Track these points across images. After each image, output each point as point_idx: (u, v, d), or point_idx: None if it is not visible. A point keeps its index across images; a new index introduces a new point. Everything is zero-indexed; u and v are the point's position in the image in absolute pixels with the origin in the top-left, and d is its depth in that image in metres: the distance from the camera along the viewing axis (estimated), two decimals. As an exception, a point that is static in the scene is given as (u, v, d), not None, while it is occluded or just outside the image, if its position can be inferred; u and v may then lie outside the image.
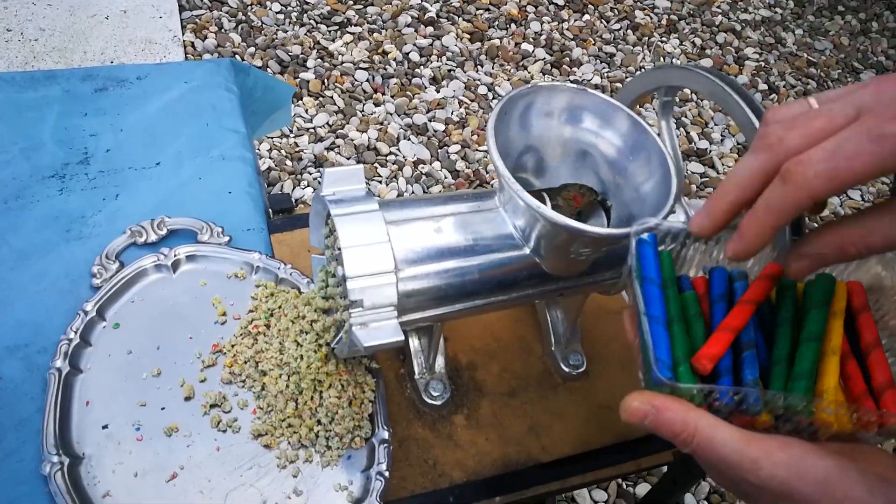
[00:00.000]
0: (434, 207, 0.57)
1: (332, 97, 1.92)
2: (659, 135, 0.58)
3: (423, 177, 1.79)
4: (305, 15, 2.14)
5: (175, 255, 0.65)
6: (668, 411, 0.40)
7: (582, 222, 0.61)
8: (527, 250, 0.56)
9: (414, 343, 0.64)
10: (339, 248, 0.51)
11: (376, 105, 1.94)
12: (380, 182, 1.76)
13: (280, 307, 0.61)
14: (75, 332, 0.59)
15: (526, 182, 0.62)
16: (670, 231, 0.49)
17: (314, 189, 1.70)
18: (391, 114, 1.92)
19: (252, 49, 1.98)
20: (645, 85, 0.64)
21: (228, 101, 0.84)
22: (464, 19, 2.27)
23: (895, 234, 0.37)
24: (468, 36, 2.22)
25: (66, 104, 0.80)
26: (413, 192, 1.76)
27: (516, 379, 0.66)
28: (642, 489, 1.40)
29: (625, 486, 1.39)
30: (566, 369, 0.67)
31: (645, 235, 0.47)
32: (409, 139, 1.87)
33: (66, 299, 0.63)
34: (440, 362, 0.64)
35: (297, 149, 1.78)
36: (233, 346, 0.60)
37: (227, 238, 0.67)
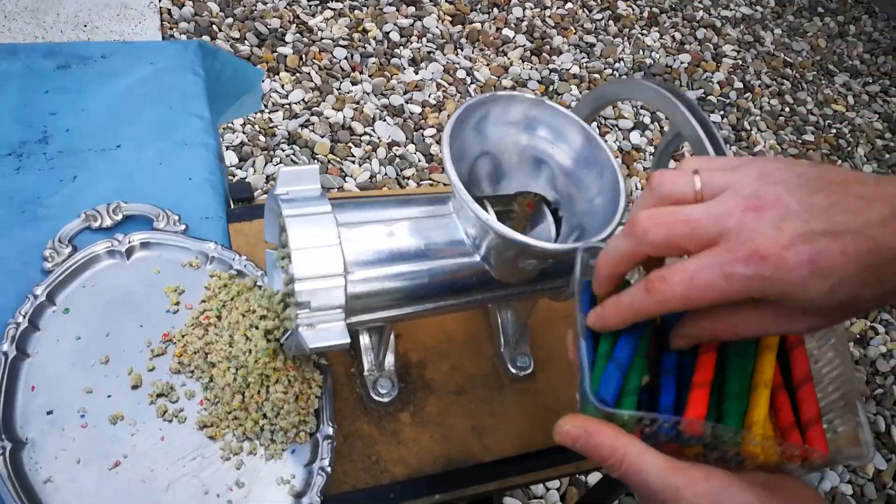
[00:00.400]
0: (388, 210, 0.58)
1: (309, 73, 1.90)
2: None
3: (397, 159, 1.80)
4: (286, -12, 2.12)
5: (129, 242, 0.65)
6: (598, 436, 0.42)
7: (533, 229, 0.62)
8: (477, 257, 0.57)
9: (364, 340, 0.65)
10: (290, 249, 0.52)
11: (353, 84, 1.93)
12: (353, 162, 1.76)
13: (232, 299, 0.62)
14: (24, 316, 0.59)
15: (482, 188, 0.63)
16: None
17: (286, 166, 1.69)
18: (368, 93, 1.91)
19: (230, 20, 1.96)
20: (602, 96, 0.64)
21: (194, 84, 0.83)
22: (446, 1, 2.26)
23: (763, 327, 0.40)
24: (450, 18, 2.21)
25: (27, 80, 0.79)
26: (386, 174, 1.76)
27: (464, 378, 0.68)
28: (594, 477, 1.43)
29: (576, 475, 1.42)
30: (513, 370, 0.68)
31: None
32: (384, 120, 1.87)
33: (17, 281, 0.63)
34: (390, 360, 0.65)
35: (270, 124, 1.77)
36: (183, 336, 0.61)
37: (183, 226, 0.68)
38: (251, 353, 0.57)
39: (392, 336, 0.64)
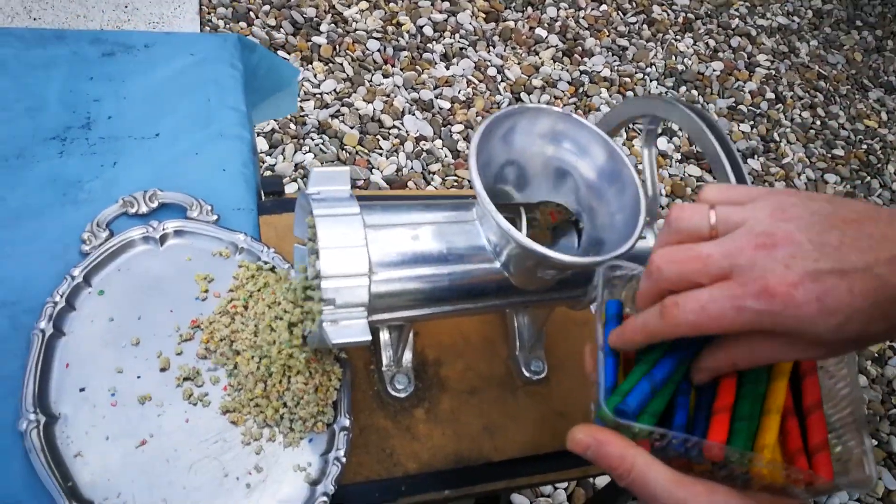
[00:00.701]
0: (413, 214, 0.60)
1: (341, 64, 1.93)
2: (638, 165, 0.61)
3: (424, 153, 1.81)
4: (323, -23, 2.14)
5: (164, 229, 0.67)
6: (608, 445, 0.44)
7: (554, 240, 0.64)
8: (497, 264, 0.59)
9: (384, 336, 0.67)
10: (318, 247, 0.54)
11: (385, 76, 1.95)
12: (380, 154, 1.78)
13: (259, 290, 0.64)
14: (61, 296, 0.62)
15: (506, 194, 0.64)
16: (633, 272, 0.52)
17: (315, 155, 1.72)
18: (399, 87, 1.93)
19: (267, 7, 1.98)
20: (628, 112, 0.66)
21: (232, 77, 0.86)
22: (482, -3, 2.27)
23: (777, 355, 0.42)
24: (484, 15, 2.22)
25: (74, 66, 0.82)
26: (412, 168, 1.78)
27: (479, 378, 0.70)
28: (602, 479, 1.44)
29: (583, 478, 1.43)
30: (527, 374, 0.70)
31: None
32: (413, 114, 1.89)
33: (56, 262, 0.66)
34: (408, 357, 0.67)
35: (301, 113, 1.79)
36: (211, 323, 0.63)
37: (215, 217, 0.70)
38: (275, 344, 0.59)
39: (411, 334, 0.66)
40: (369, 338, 0.54)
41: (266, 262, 0.67)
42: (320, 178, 0.58)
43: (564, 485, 1.40)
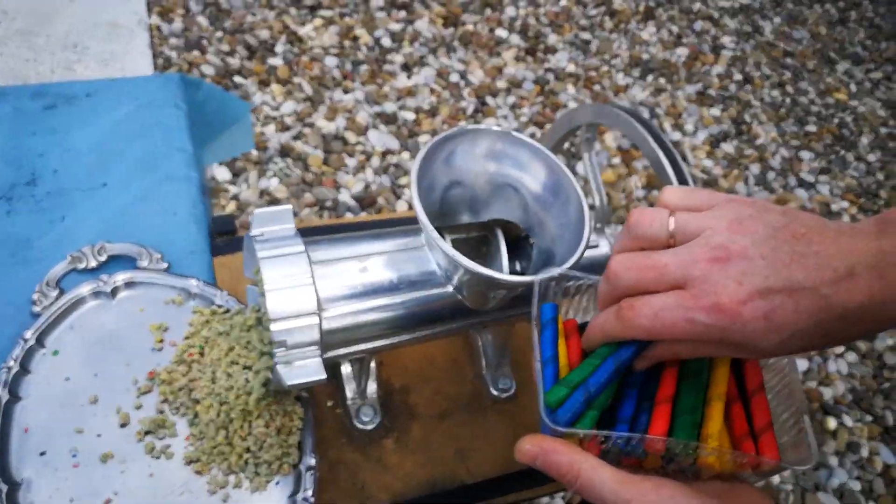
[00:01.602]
0: (361, 246, 0.59)
1: (300, 84, 1.92)
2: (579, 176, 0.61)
3: (392, 167, 1.81)
4: (276, -1, 2.13)
5: (114, 282, 0.67)
6: (555, 454, 0.44)
7: (509, 256, 0.64)
8: (450, 288, 0.59)
9: (346, 370, 0.66)
10: (264, 290, 0.53)
11: (345, 92, 1.94)
12: (347, 173, 1.77)
13: (215, 336, 0.63)
14: (15, 360, 0.61)
15: (459, 215, 0.64)
16: (573, 279, 0.52)
17: (280, 179, 1.71)
18: (360, 101, 1.93)
19: (220, 33, 1.97)
20: (566, 125, 0.66)
21: (176, 118, 0.85)
22: (437, 3, 2.27)
23: (721, 353, 0.44)
24: (442, 20, 2.22)
25: (15, 122, 0.81)
26: (381, 184, 1.77)
27: (447, 401, 0.69)
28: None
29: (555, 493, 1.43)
30: (495, 392, 0.70)
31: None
32: (377, 128, 1.88)
33: (10, 325, 0.65)
34: (372, 388, 0.67)
35: (262, 138, 1.78)
36: (168, 373, 0.62)
37: (165, 265, 0.69)
38: (233, 390, 0.59)
39: (373, 365, 0.66)
40: (324, 376, 0.53)
41: (220, 307, 0.66)
42: (263, 219, 0.57)
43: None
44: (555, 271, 0.51)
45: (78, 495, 0.57)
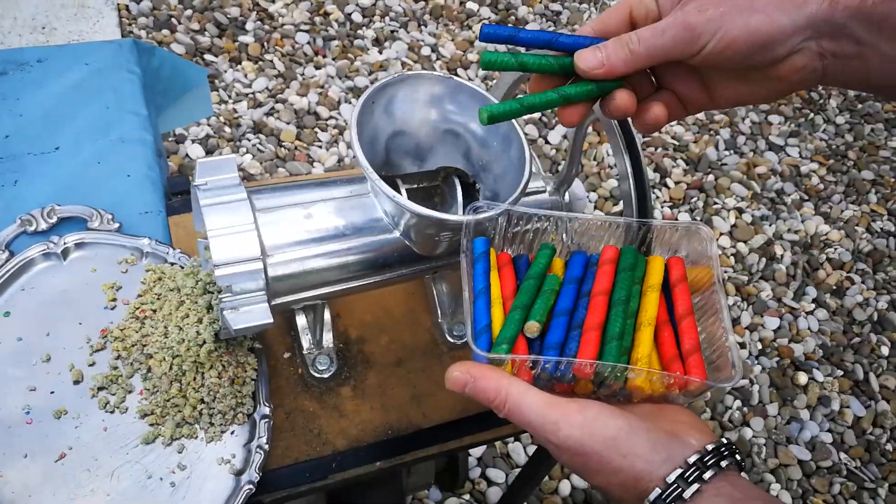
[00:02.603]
0: (306, 193, 0.59)
1: (271, 61, 1.91)
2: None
3: (364, 140, 1.80)
4: (244, -24, 2.11)
5: (64, 243, 0.67)
6: (483, 380, 0.44)
7: (455, 203, 0.64)
8: (397, 233, 0.59)
9: (301, 320, 0.67)
10: (207, 236, 0.53)
11: (317, 68, 1.93)
12: (320, 147, 1.77)
13: (168, 292, 0.63)
14: (-35, 322, 0.61)
15: (404, 165, 0.64)
16: (502, 212, 0.53)
17: (253, 156, 1.70)
18: (332, 77, 1.92)
19: (189, 12, 1.96)
20: (515, 74, 0.66)
21: (130, 82, 0.84)
22: (407, -23, 2.25)
23: (656, 25, 0.45)
24: (412, -5, 2.21)
25: (-34, 89, 0.81)
26: (354, 157, 1.76)
27: (403, 350, 0.70)
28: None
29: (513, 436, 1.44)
30: (451, 339, 0.70)
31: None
32: (350, 102, 1.88)
33: (-38, 288, 0.65)
34: (328, 338, 0.67)
35: (235, 115, 1.78)
36: (121, 330, 0.63)
37: (117, 224, 0.69)
38: (184, 343, 0.59)
39: (328, 314, 0.66)
40: (270, 320, 0.53)
41: (173, 264, 0.67)
42: (207, 169, 0.57)
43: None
44: (498, 211, 0.52)
45: (32, 451, 0.58)
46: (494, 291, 0.49)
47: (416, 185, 0.63)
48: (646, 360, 0.46)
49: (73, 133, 0.79)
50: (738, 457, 0.43)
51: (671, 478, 0.41)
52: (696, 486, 0.40)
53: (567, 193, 0.67)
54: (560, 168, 0.68)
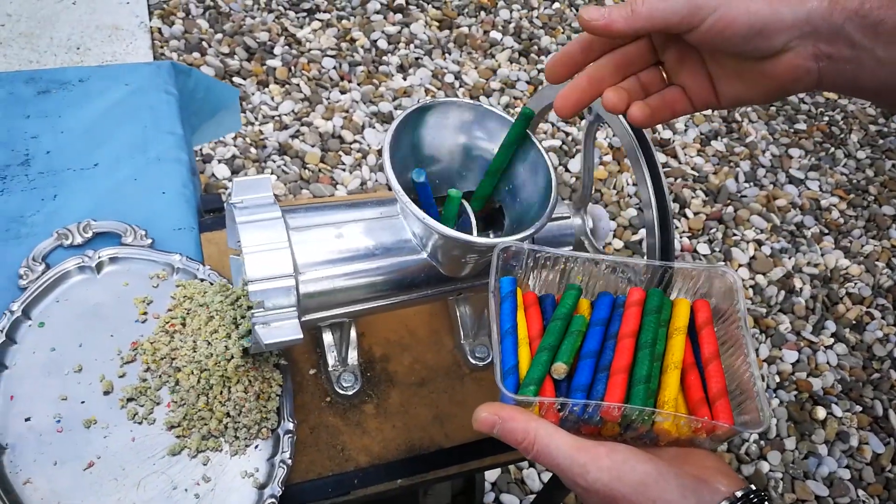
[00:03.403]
0: (337, 214, 0.61)
1: (298, 84, 1.94)
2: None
3: (387, 165, 1.83)
4: (274, 1, 2.15)
5: (99, 257, 0.68)
6: (511, 421, 0.45)
7: (486, 228, 0.65)
8: (424, 255, 0.60)
9: (327, 338, 0.68)
10: (243, 253, 0.55)
11: (342, 93, 1.96)
12: (343, 170, 1.80)
13: (196, 307, 0.65)
14: (1, 331, 0.63)
15: (434, 189, 0.66)
16: (539, 252, 0.54)
17: (278, 177, 1.73)
18: (357, 101, 1.95)
19: (219, 36, 2.00)
20: (541, 101, 0.67)
21: (167, 103, 0.87)
22: (433, 6, 2.29)
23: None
24: (437, 23, 2.24)
25: (9, 106, 0.83)
26: (376, 181, 1.79)
27: (426, 370, 0.71)
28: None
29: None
30: (473, 361, 0.71)
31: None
32: (373, 127, 1.90)
33: (4, 296, 0.67)
34: (353, 356, 0.68)
35: (261, 136, 1.81)
36: (151, 343, 0.64)
37: (149, 240, 0.71)
38: (212, 357, 0.60)
39: (354, 332, 0.67)
40: (300, 336, 0.55)
41: (203, 280, 0.68)
42: (243, 188, 0.59)
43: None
44: (512, 240, 0.53)
45: (62, 458, 0.59)
46: (521, 331, 0.49)
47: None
48: (672, 404, 0.46)
49: (111, 151, 0.81)
50: None
51: None
52: None
53: (590, 217, 0.68)
54: (573, 191, 0.69)
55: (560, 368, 0.47)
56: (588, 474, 0.42)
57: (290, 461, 0.60)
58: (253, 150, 1.77)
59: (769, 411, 0.46)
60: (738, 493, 0.41)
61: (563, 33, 2.35)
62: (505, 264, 0.53)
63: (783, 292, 1.78)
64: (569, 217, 0.68)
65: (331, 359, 0.68)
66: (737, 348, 0.49)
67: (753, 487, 0.42)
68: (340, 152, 1.83)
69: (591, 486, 0.42)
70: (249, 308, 0.58)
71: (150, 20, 1.99)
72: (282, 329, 0.55)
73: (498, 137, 0.61)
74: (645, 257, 0.59)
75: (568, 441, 0.43)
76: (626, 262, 0.54)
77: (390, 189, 0.56)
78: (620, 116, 0.60)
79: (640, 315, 0.50)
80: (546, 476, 1.42)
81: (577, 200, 0.68)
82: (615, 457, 0.42)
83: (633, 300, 0.51)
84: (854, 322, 1.78)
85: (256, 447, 0.61)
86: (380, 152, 1.84)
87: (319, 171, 1.77)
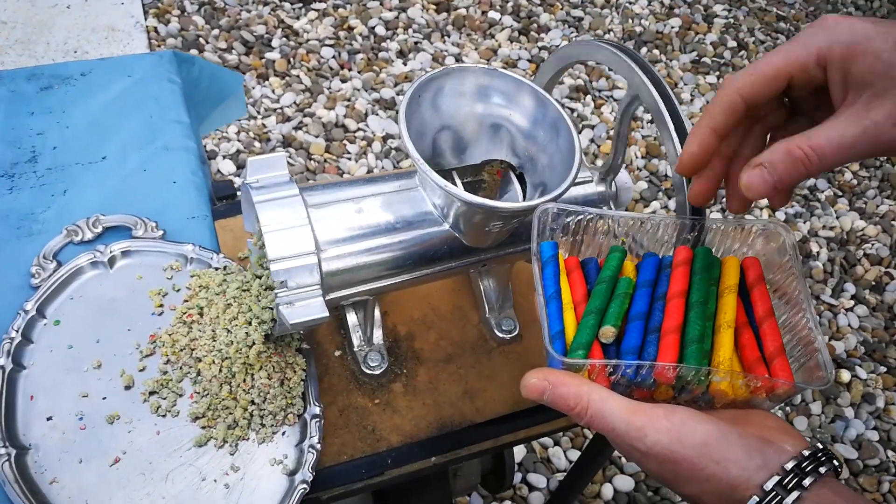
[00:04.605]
0: (355, 189, 0.59)
1: (298, 76, 1.92)
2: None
3: (393, 151, 1.81)
4: (269, -6, 2.13)
5: (110, 252, 0.67)
6: (562, 386, 0.43)
7: (503, 195, 0.63)
8: (446, 226, 0.59)
9: (351, 318, 0.66)
10: (262, 232, 0.53)
11: (343, 81, 1.94)
12: (349, 159, 1.78)
13: (213, 296, 0.63)
14: (17, 331, 0.62)
15: (447, 160, 0.64)
16: (571, 214, 0.52)
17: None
18: (358, 89, 1.93)
19: (216, 31, 1.98)
20: (560, 60, 0.65)
21: (171, 92, 0.85)
22: (429, -11, 2.26)
23: (836, 135, 0.39)
24: (434, 6, 2.22)
25: (12, 104, 0.81)
26: (383, 168, 1.77)
27: (452, 346, 0.69)
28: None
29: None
30: (500, 334, 0.69)
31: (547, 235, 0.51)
32: (377, 114, 1.88)
33: (19, 294, 0.65)
34: (378, 335, 0.67)
35: (264, 130, 1.79)
36: (169, 335, 0.62)
37: (161, 232, 0.70)
38: (233, 345, 0.59)
39: (377, 311, 0.66)
40: (326, 314, 0.53)
41: (217, 268, 0.67)
42: (257, 167, 0.57)
43: (577, 455, 1.39)
44: (542, 201, 0.51)
45: (87, 455, 0.58)
46: (565, 296, 0.48)
47: (466, 179, 0.63)
48: (727, 364, 0.44)
49: (118, 142, 0.79)
50: (835, 462, 0.40)
51: (769, 485, 0.39)
52: (796, 494, 0.38)
53: (615, 185, 0.66)
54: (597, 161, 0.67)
55: (608, 332, 0.45)
56: (646, 437, 0.40)
57: (318, 446, 0.59)
58: (257, 143, 1.75)
59: (832, 365, 0.44)
60: (806, 452, 0.40)
61: (561, 9, 2.32)
62: (544, 227, 0.51)
63: (800, 257, 1.76)
64: (591, 181, 0.66)
65: (356, 339, 0.66)
66: (793, 305, 0.47)
67: (820, 446, 0.40)
68: (345, 141, 1.81)
69: (649, 449, 0.41)
70: (269, 289, 0.57)
71: (146, 19, 1.97)
72: (307, 308, 0.53)
73: (515, 103, 0.59)
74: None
75: (623, 404, 0.42)
76: (675, 220, 0.52)
77: (409, 157, 0.54)
78: (643, 76, 0.58)
79: (689, 274, 0.48)
80: (572, 454, 1.40)
81: (605, 169, 0.66)
82: (674, 418, 0.41)
83: (679, 259, 0.49)
84: (873, 283, 1.75)
85: (284, 434, 0.60)
86: (384, 139, 1.82)
87: (325, 161, 1.76)
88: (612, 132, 1.98)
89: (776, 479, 0.39)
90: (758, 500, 0.39)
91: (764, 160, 0.41)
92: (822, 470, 0.39)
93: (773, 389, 0.44)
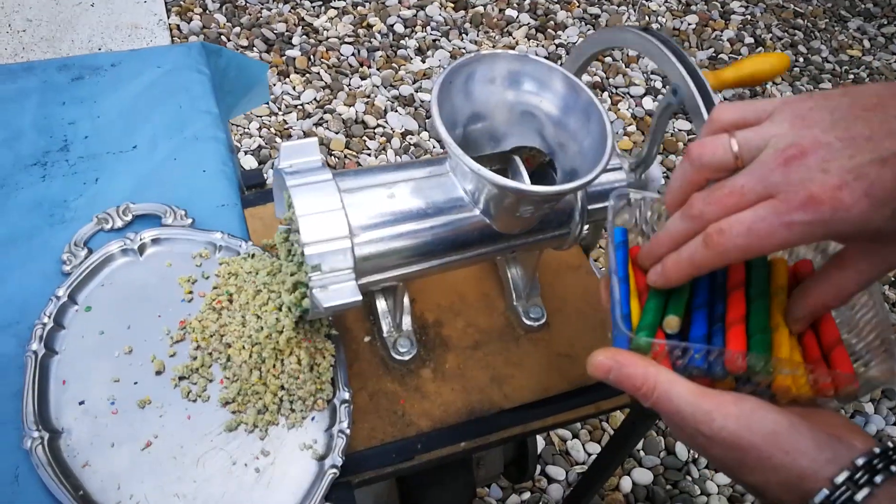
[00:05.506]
0: (387, 175, 0.59)
1: (318, 73, 1.93)
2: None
3: (412, 147, 1.81)
4: (289, -8, 2.14)
5: (141, 240, 0.67)
6: (629, 366, 0.42)
7: (534, 183, 0.63)
8: (477, 211, 0.59)
9: (381, 304, 0.67)
10: (296, 217, 0.53)
11: (363, 78, 1.95)
12: (369, 155, 1.78)
13: (242, 283, 0.64)
14: (49, 317, 0.62)
15: (480, 147, 0.64)
16: (642, 198, 0.52)
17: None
18: (378, 86, 1.93)
19: (237, 29, 1.99)
20: (590, 48, 0.65)
21: (200, 83, 0.86)
22: (448, -13, 2.27)
23: (863, 276, 0.41)
24: (452, 4, 2.22)
25: (45, 94, 0.83)
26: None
27: (480, 333, 0.69)
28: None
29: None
30: (527, 322, 0.69)
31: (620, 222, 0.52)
32: (396, 111, 1.89)
33: (52, 281, 0.66)
34: (406, 321, 0.67)
35: (286, 126, 1.80)
36: (199, 321, 0.63)
37: (190, 220, 0.70)
38: (263, 330, 0.59)
39: (406, 298, 0.66)
40: (360, 298, 0.53)
41: (246, 256, 0.67)
42: (291, 152, 0.57)
43: (597, 448, 1.39)
44: (580, 185, 0.51)
45: (118, 440, 0.58)
46: (632, 283, 0.47)
47: (496, 167, 0.63)
48: (788, 361, 0.44)
49: (149, 132, 0.80)
50: None
51: (839, 479, 0.38)
52: (867, 490, 0.37)
53: (645, 178, 0.66)
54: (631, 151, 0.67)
55: (673, 322, 0.44)
56: (713, 422, 0.40)
57: (348, 431, 0.59)
58: (278, 139, 1.76)
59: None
60: (877, 450, 0.38)
61: (577, 6, 2.31)
62: (618, 212, 0.51)
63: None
64: (621, 169, 0.65)
65: (385, 325, 0.66)
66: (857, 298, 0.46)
67: (891, 444, 0.39)
68: (365, 137, 1.81)
69: (715, 434, 0.40)
70: (297, 270, 0.57)
71: (168, 17, 1.99)
72: (340, 291, 0.53)
73: (545, 89, 0.59)
74: None
75: (690, 387, 0.41)
76: None
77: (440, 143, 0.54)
78: (656, 41, 0.58)
79: (745, 266, 0.47)
80: (591, 447, 1.40)
81: (638, 160, 0.66)
82: (743, 405, 0.40)
83: None
84: (893, 279, 1.74)
85: (313, 419, 0.60)
86: (403, 135, 1.83)
87: (345, 157, 1.76)
88: (629, 128, 1.97)
89: (847, 473, 0.38)
90: (827, 493, 0.38)
91: (803, 316, 0.44)
92: (894, 469, 0.38)
93: (839, 388, 0.43)
